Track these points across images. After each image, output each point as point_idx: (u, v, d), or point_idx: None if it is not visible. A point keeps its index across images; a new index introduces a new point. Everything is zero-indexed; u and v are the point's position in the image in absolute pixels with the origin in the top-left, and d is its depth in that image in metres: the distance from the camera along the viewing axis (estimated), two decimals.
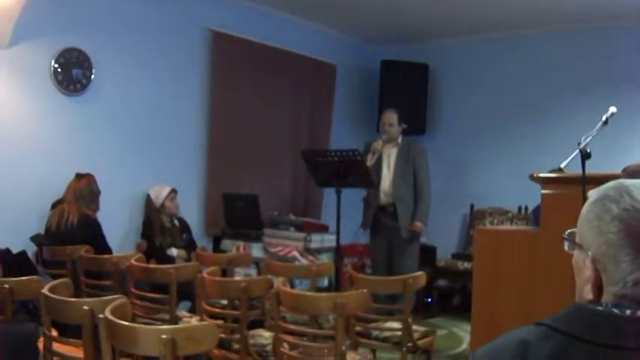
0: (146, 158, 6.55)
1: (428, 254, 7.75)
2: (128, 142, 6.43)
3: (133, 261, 4.47)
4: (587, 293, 1.35)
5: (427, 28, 8.44)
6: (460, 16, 7.88)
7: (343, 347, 3.34)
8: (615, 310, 1.25)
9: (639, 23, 7.18)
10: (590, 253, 1.35)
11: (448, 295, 8.30)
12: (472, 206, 8.36)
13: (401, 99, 7.96)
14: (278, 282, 3.69)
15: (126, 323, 2.51)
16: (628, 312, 1.24)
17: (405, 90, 8.48)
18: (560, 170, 4.05)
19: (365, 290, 3.43)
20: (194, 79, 7.04)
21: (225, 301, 4.39)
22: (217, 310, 4.06)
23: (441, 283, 8.27)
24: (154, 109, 6.65)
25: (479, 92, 8.55)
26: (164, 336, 2.34)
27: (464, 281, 7.75)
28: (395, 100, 7.88)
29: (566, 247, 1.43)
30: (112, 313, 2.58)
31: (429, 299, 7.92)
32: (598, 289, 1.34)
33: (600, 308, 1.28)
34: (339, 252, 5.98)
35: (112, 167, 6.15)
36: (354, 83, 8.94)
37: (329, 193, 6.98)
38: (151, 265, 4.57)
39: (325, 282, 6.34)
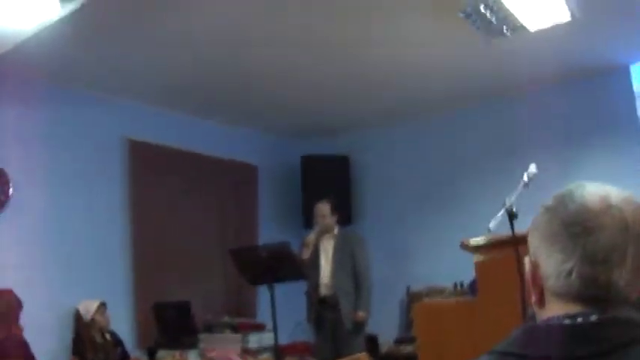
0: (72, 273, 6.33)
1: (370, 343, 7.61)
2: (52, 257, 6.22)
3: None
4: (532, 297, 1.31)
5: (343, 120, 8.60)
6: (374, 107, 8.11)
7: None
8: (567, 321, 1.19)
9: (537, 91, 7.49)
10: (530, 254, 1.30)
11: None
12: (408, 289, 8.31)
13: (324, 192, 7.92)
14: None
15: None
16: (579, 319, 1.18)
17: (328, 182, 8.48)
18: (488, 231, 4.05)
19: None
20: (114, 189, 6.94)
21: None
22: None
23: None
24: (76, 222, 6.50)
25: (401, 176, 8.63)
26: None
27: None
28: (318, 193, 7.81)
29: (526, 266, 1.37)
30: None
31: None
32: (539, 289, 1.29)
33: (551, 323, 1.23)
34: (278, 351, 5.80)
35: (37, 284, 5.90)
36: (277, 180, 8.93)
37: (263, 291, 6.84)
38: None
39: None
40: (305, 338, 7.39)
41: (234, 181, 8.23)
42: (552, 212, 1.26)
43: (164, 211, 7.30)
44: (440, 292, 7.93)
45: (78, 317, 6.15)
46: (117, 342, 6.28)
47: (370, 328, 7.56)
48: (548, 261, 1.25)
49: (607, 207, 1.22)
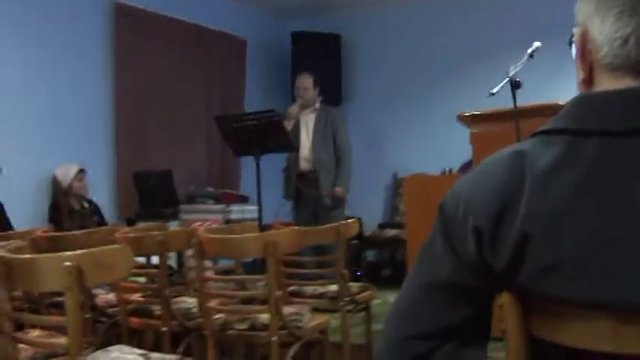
0: (51, 138, 6.11)
1: None
2: (30, 122, 5.99)
3: (38, 233, 4.07)
4: (578, 74, 1.10)
5: None
6: None
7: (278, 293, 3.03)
8: (628, 90, 1.00)
9: None
10: (578, 24, 1.09)
11: (377, 268, 8.10)
12: (395, 175, 8.18)
13: (314, 70, 7.69)
14: (200, 230, 3.35)
15: (24, 256, 2.15)
16: None
17: (318, 61, 8.18)
18: (490, 94, 3.84)
19: (295, 227, 3.14)
20: (97, 53, 6.64)
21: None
22: (134, 270, 3.68)
23: (369, 256, 8.08)
24: (56, 86, 6.22)
25: (393, 60, 8.41)
26: (68, 263, 1.99)
27: (392, 251, 7.61)
28: (308, 71, 7.63)
29: (573, 52, 1.15)
30: (9, 251, 2.22)
31: (358, 273, 7.68)
32: (588, 64, 1.08)
33: (609, 91, 1.02)
34: (262, 224, 5.62)
35: (15, 149, 5.73)
36: (265, 57, 8.67)
37: (247, 165, 6.66)
38: (59, 234, 4.17)
39: None
40: (287, 218, 7.28)
41: (222, 52, 7.94)
42: None
43: (149, 78, 7.03)
44: None
45: (56, 183, 5.95)
46: (95, 211, 6.10)
47: (354, 212, 7.45)
48: (602, 27, 1.04)
49: None
